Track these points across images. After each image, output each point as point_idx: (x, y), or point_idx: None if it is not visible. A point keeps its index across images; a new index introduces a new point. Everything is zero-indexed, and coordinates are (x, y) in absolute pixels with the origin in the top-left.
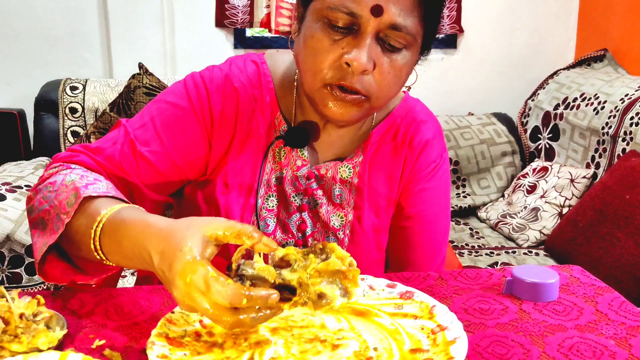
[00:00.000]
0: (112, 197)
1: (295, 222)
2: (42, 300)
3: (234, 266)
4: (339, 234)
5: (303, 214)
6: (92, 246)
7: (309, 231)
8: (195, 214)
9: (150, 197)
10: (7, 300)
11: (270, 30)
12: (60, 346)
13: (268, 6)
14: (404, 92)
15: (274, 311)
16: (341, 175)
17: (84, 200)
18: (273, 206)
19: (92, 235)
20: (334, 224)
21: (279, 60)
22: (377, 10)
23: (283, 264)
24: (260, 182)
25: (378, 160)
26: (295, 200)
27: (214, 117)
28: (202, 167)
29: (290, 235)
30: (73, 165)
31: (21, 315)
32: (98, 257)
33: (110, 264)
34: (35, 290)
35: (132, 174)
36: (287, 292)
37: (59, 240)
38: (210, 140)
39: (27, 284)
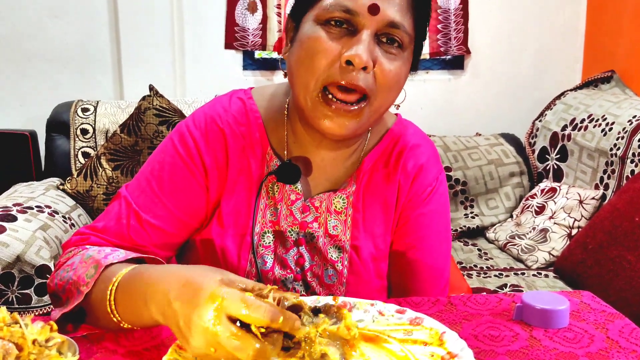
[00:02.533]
0: (132, 259)
1: (293, 256)
2: (55, 326)
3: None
4: (338, 265)
5: (300, 248)
6: (108, 307)
7: (307, 265)
8: (193, 256)
9: (165, 255)
10: (20, 326)
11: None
12: None
13: (280, 30)
14: (396, 114)
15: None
16: (335, 207)
17: (104, 269)
18: (270, 242)
19: (108, 296)
20: (331, 256)
21: (267, 94)
22: (374, 9)
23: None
24: (255, 220)
25: (372, 188)
26: (292, 234)
27: (206, 165)
28: (204, 214)
29: (288, 271)
30: (87, 246)
31: (34, 341)
32: (114, 319)
33: (126, 325)
34: (45, 312)
35: (144, 243)
36: (286, 339)
37: (79, 314)
38: (208, 186)
39: (37, 305)
